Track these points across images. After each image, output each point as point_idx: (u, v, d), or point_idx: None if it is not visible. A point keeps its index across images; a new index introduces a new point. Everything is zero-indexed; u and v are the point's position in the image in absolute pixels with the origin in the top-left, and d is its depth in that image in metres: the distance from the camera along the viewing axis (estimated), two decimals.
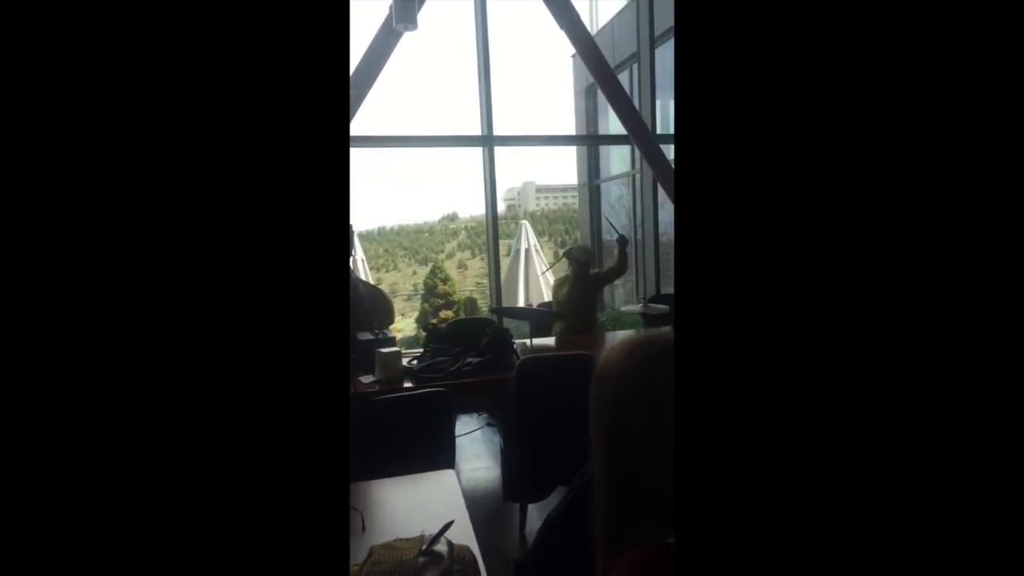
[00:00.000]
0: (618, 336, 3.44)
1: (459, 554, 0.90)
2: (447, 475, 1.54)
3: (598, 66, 3.70)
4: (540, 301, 5.38)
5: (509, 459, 2.31)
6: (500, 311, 3.92)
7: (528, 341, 3.02)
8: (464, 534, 1.08)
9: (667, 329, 0.73)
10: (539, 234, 6.40)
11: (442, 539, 0.91)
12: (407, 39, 3.58)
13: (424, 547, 0.88)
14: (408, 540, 0.92)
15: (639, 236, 5.80)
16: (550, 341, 3.25)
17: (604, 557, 0.66)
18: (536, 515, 2.42)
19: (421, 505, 1.28)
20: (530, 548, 1.37)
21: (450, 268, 10.75)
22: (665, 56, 5.37)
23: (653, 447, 0.63)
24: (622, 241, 3.35)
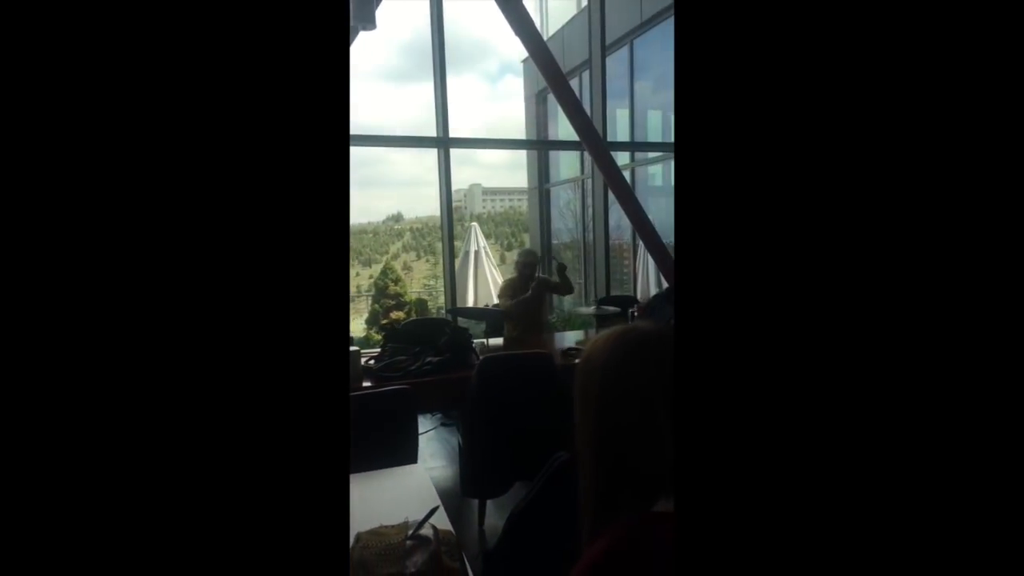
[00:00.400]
0: (567, 337, 3.54)
1: (444, 537, 0.93)
2: (416, 469, 1.56)
3: (551, 71, 3.78)
4: (488, 303, 5.42)
5: (469, 456, 2.34)
6: (455, 311, 3.94)
7: (485, 341, 3.06)
8: (441, 523, 1.11)
9: (645, 322, 0.79)
10: (485, 236, 6.44)
11: (427, 524, 0.94)
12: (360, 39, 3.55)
13: (411, 531, 0.91)
14: (393, 526, 0.95)
15: (589, 239, 5.94)
16: (500, 341, 3.30)
17: (591, 530, 0.71)
18: (494, 511, 2.46)
19: (396, 497, 1.30)
20: (499, 537, 1.41)
21: (396, 269, 10.67)
22: (615, 65, 5.53)
23: (636, 428, 0.68)
24: (561, 268, 3.52)
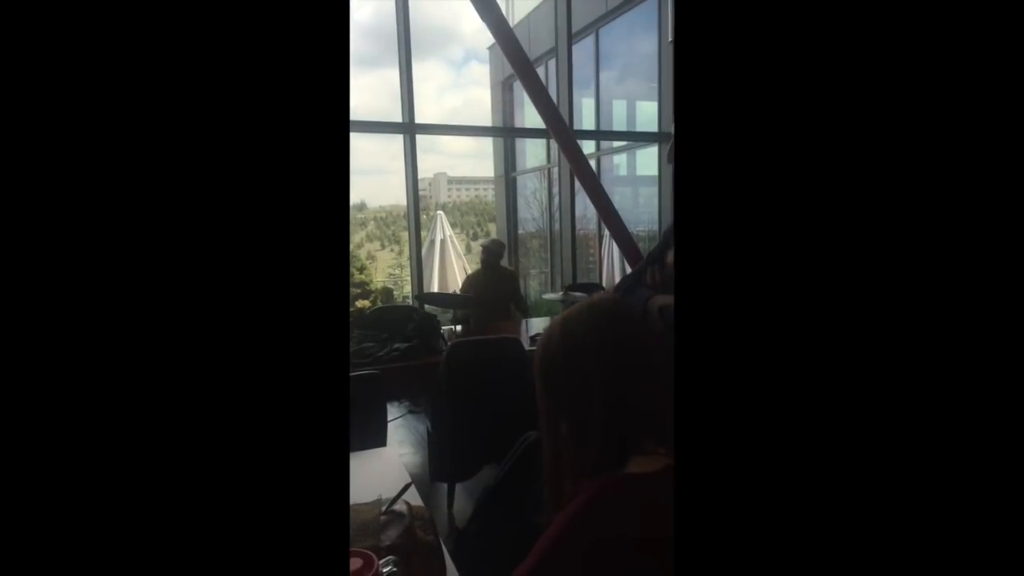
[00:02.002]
0: (534, 323, 3.57)
1: (417, 513, 0.94)
2: (386, 452, 1.56)
3: (517, 58, 3.78)
4: (453, 292, 5.43)
5: (438, 441, 2.35)
6: (423, 298, 3.92)
7: (454, 327, 3.07)
8: (414, 501, 1.12)
9: (598, 294, 0.81)
10: (451, 226, 6.41)
11: (401, 500, 0.95)
12: None
13: (385, 507, 0.92)
14: (366, 504, 0.95)
15: (556, 228, 5.98)
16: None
17: (557, 497, 0.73)
18: (463, 495, 2.48)
19: (367, 477, 1.30)
20: (470, 516, 1.43)
21: (361, 258, 10.52)
22: (581, 53, 5.54)
23: (604, 389, 0.70)
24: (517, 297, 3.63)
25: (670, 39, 4.07)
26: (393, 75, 4.16)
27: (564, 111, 4.68)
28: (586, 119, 6.09)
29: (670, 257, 1.23)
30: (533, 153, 7.35)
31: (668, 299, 1.12)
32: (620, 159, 6.42)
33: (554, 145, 4.91)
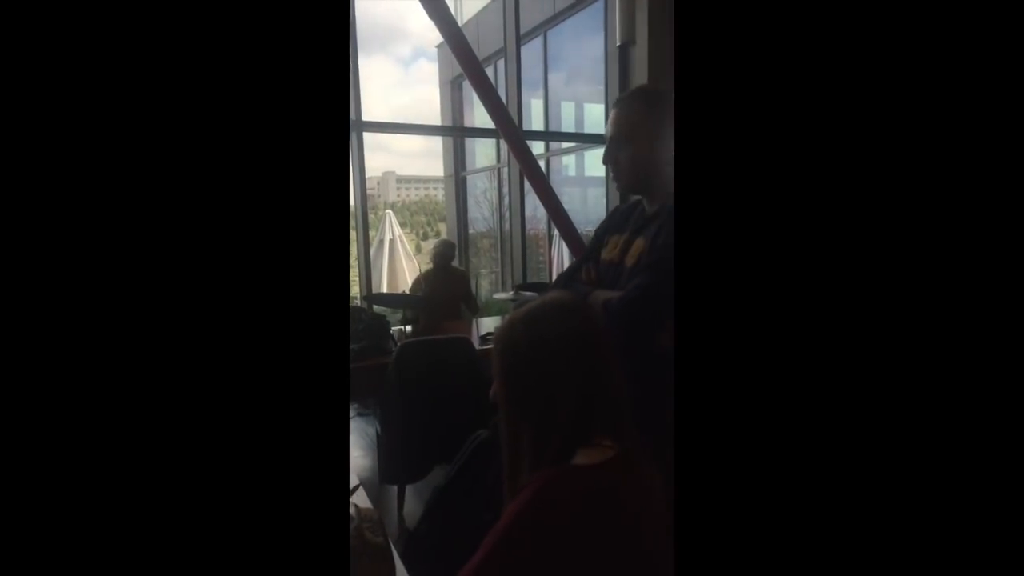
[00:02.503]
0: (485, 323, 3.57)
1: (366, 515, 0.93)
2: None
3: (465, 57, 3.77)
4: (403, 292, 5.38)
5: (388, 442, 2.32)
6: (371, 298, 3.87)
7: (403, 328, 3.03)
8: (363, 503, 1.10)
9: (556, 291, 0.83)
10: (401, 225, 6.34)
11: (349, 502, 0.94)
12: None
13: None
14: None
15: (506, 228, 5.99)
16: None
17: (513, 489, 0.74)
18: (412, 497, 2.46)
19: None
20: (421, 516, 1.42)
21: None
22: (530, 54, 5.58)
23: (557, 382, 0.72)
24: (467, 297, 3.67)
25: (617, 43, 4.15)
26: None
27: (513, 111, 4.70)
28: (536, 119, 6.14)
29: (604, 254, 1.26)
30: (483, 153, 7.35)
31: (608, 294, 1.14)
32: (569, 160, 6.50)
33: (504, 145, 4.93)
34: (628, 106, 1.19)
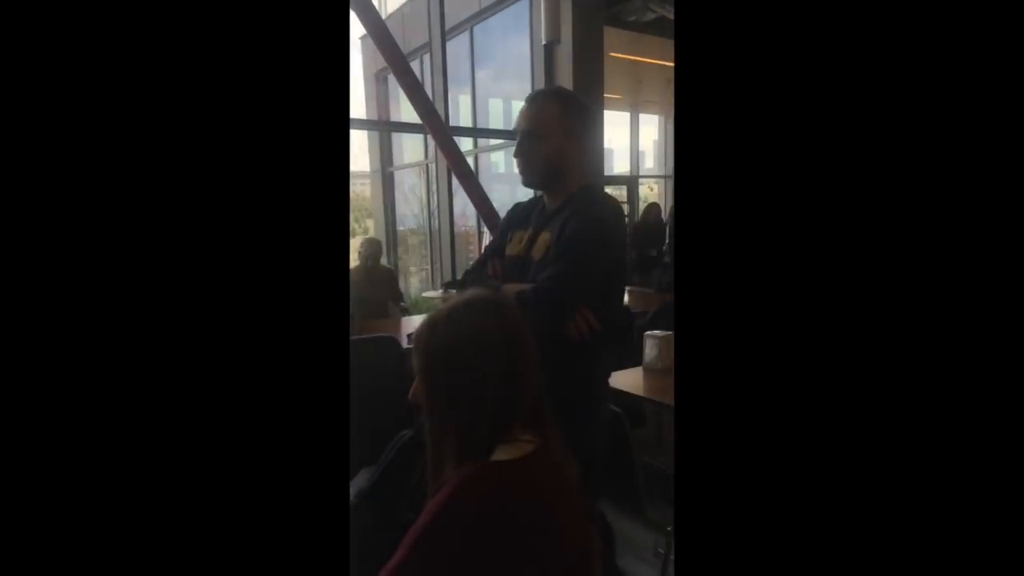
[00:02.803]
0: (414, 320, 3.53)
1: None
2: None
3: (390, 51, 3.70)
4: None
5: None
6: None
7: None
8: None
9: (474, 288, 0.84)
10: None
11: None
12: None
13: None
14: None
15: (435, 225, 5.94)
16: None
17: (435, 483, 0.73)
18: None
19: None
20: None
21: None
22: (455, 49, 5.54)
23: (484, 382, 0.72)
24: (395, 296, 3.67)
25: (543, 41, 4.20)
26: None
27: (440, 107, 4.66)
28: (463, 116, 6.11)
29: (509, 249, 1.29)
30: (411, 148, 7.25)
31: (520, 286, 1.16)
32: (498, 157, 6.51)
33: (431, 140, 4.88)
34: (542, 103, 1.22)
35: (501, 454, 0.70)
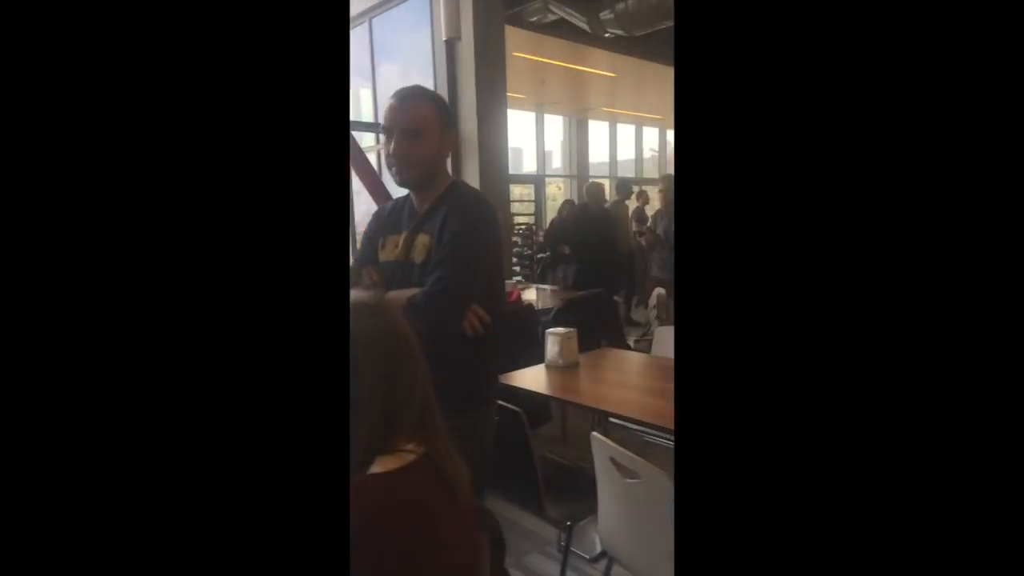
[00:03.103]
0: None
1: None
2: None
3: None
4: None
5: None
6: None
7: None
8: None
9: (358, 292, 0.81)
10: None
11: None
12: None
13: None
14: None
15: None
16: None
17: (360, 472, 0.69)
18: None
19: None
20: None
21: None
22: (356, 41, 5.38)
23: (371, 391, 0.69)
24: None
25: (444, 37, 4.15)
26: None
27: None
28: (365, 111, 5.94)
29: (383, 255, 1.29)
30: None
31: (408, 292, 1.16)
32: None
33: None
34: (419, 102, 1.22)
35: (379, 466, 0.68)
